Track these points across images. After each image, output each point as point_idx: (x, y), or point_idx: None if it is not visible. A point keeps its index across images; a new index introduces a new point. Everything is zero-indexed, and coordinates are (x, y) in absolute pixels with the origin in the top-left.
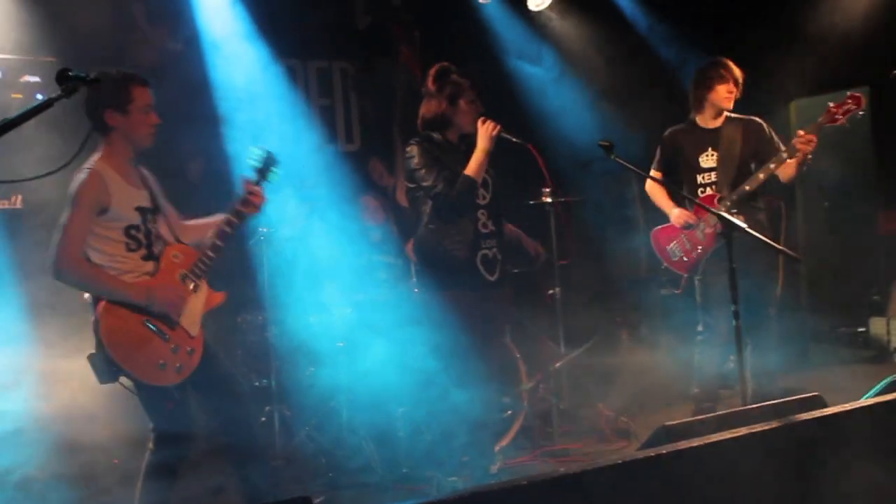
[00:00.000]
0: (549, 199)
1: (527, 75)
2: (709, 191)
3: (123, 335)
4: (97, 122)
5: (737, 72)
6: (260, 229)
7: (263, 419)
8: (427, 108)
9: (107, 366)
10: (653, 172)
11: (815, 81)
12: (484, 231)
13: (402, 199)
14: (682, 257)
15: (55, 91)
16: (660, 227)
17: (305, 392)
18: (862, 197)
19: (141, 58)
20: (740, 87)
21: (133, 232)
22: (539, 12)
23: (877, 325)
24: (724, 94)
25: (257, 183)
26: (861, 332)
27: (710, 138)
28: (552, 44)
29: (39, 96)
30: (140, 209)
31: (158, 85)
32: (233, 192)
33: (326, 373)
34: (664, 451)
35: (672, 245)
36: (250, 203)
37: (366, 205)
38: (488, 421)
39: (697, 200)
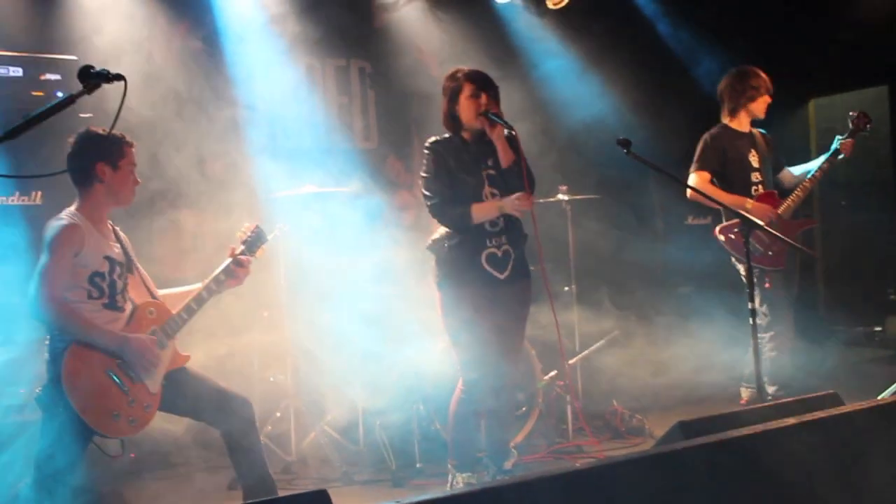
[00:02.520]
0: (565, 198)
1: (546, 75)
2: (760, 189)
3: (84, 380)
4: (84, 172)
5: (769, 82)
6: (278, 225)
7: (279, 414)
8: (441, 109)
9: (59, 407)
10: (701, 174)
11: (834, 80)
12: (491, 230)
13: (419, 197)
14: (766, 252)
15: (76, 89)
16: (724, 224)
17: (321, 387)
18: (880, 195)
19: (161, 56)
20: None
21: (97, 279)
22: (558, 10)
23: (893, 325)
24: (764, 106)
25: (245, 255)
26: (877, 331)
27: (749, 140)
28: (570, 43)
29: (60, 94)
30: (109, 259)
31: (177, 81)
32: (248, 192)
33: (343, 368)
34: (680, 448)
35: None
36: (234, 274)
37: (396, 202)
38: (503, 417)
39: (742, 213)
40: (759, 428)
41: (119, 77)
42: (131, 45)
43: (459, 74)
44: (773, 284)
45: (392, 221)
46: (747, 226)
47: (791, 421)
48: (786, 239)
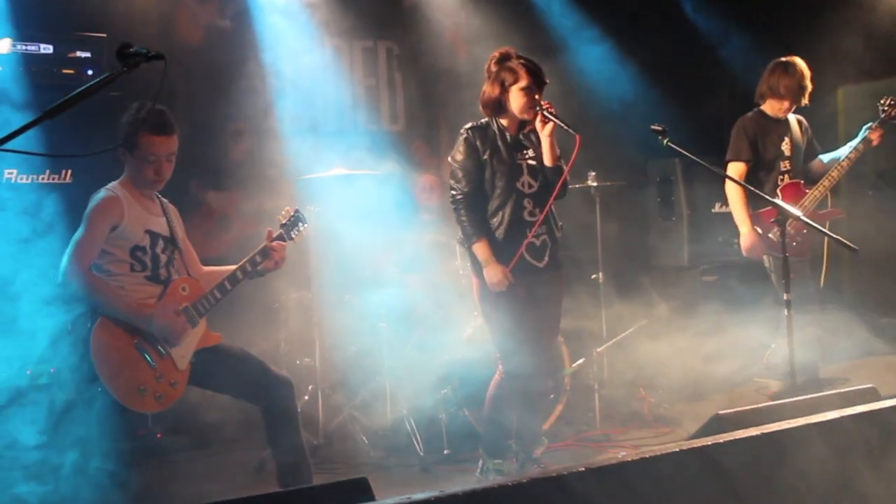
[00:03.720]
0: (593, 184)
1: (575, 59)
2: (787, 178)
3: (112, 352)
4: (117, 151)
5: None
6: (308, 207)
7: (306, 398)
8: (485, 91)
9: (88, 378)
10: (735, 164)
11: (863, 69)
12: (530, 219)
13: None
14: (790, 242)
15: (106, 66)
16: (757, 212)
17: (349, 371)
18: None
19: (188, 35)
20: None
21: (139, 254)
22: None
23: None
24: (787, 108)
25: (282, 239)
26: None
27: (784, 127)
28: (601, 26)
29: (90, 71)
30: (151, 233)
31: (205, 61)
32: (275, 173)
33: (370, 352)
34: (721, 441)
35: (775, 230)
36: (270, 257)
37: (423, 184)
38: (536, 404)
39: (779, 202)
40: (800, 421)
41: (159, 56)
42: (160, 23)
43: (514, 62)
44: (797, 274)
45: (419, 205)
46: (784, 216)
47: (832, 415)
48: (828, 233)
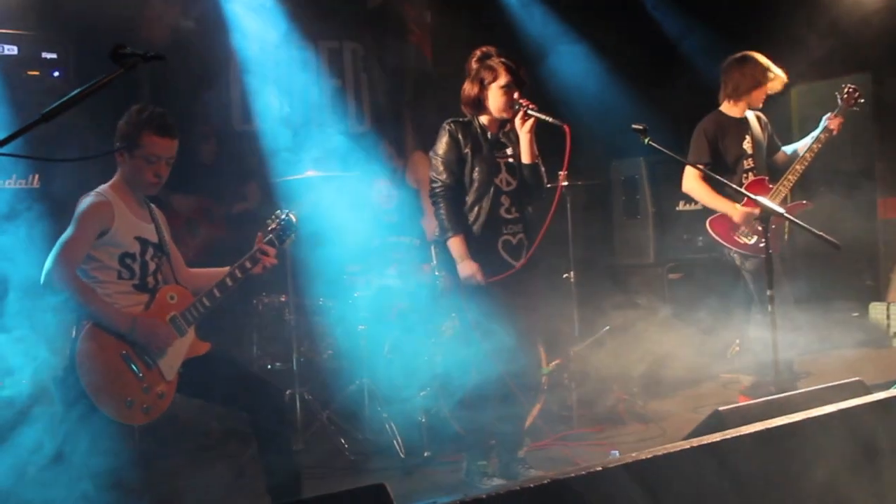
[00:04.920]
0: (565, 183)
1: (540, 58)
2: (751, 176)
3: (98, 363)
4: (113, 154)
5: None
6: (286, 212)
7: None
8: (465, 89)
9: (72, 390)
10: (692, 167)
11: (816, 67)
12: (507, 217)
13: (411, 182)
14: (759, 240)
15: (73, 67)
16: (715, 216)
17: (326, 375)
18: (862, 182)
19: (154, 35)
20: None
21: (128, 261)
22: None
23: (876, 310)
24: (763, 97)
25: (272, 245)
26: (855, 316)
27: (742, 126)
28: (567, 27)
29: (57, 73)
30: (140, 240)
31: (170, 63)
32: (243, 176)
33: (347, 355)
34: (729, 437)
35: (742, 229)
36: (260, 262)
37: (378, 188)
38: (518, 405)
39: (751, 194)
40: (803, 416)
41: (159, 56)
42: (126, 24)
43: (494, 60)
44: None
45: (384, 205)
46: (766, 213)
47: (829, 409)
48: (812, 230)
